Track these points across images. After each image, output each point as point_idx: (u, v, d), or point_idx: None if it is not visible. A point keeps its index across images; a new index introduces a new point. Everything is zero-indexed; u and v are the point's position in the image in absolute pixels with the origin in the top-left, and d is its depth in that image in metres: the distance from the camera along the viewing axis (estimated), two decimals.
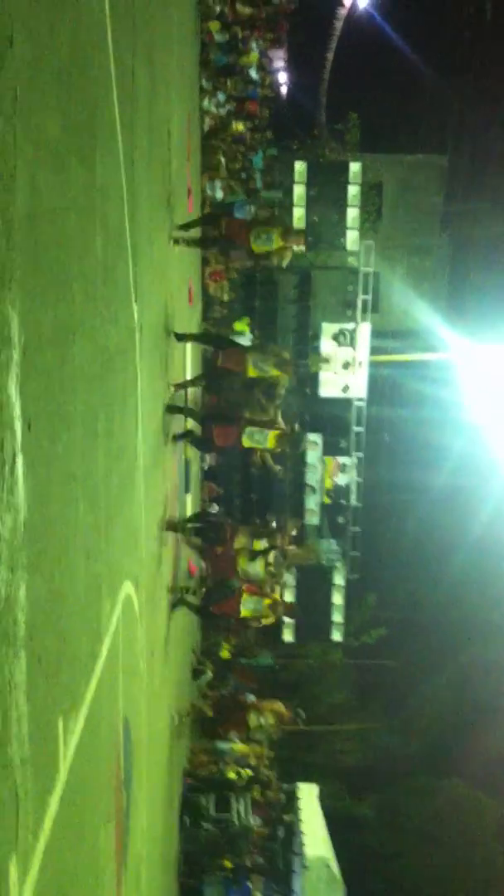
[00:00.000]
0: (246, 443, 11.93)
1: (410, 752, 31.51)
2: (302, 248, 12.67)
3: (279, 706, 14.85)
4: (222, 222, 12.10)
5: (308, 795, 19.53)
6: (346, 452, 25.64)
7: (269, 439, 11.92)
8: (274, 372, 11.80)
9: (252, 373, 11.79)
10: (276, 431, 11.93)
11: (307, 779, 21.91)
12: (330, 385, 25.19)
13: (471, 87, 28.65)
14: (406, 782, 30.48)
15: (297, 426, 13.03)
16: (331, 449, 25.85)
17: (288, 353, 12.29)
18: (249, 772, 18.43)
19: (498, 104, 27.99)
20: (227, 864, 16.32)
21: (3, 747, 3.50)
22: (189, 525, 12.42)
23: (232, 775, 17.87)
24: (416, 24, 30.61)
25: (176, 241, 11.83)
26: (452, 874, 28.86)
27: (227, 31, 22.07)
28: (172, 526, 11.86)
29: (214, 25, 21.44)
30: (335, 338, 24.89)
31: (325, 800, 21.45)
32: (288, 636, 26.12)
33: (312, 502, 25.70)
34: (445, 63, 30.46)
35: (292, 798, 19.52)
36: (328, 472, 25.69)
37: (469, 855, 29.02)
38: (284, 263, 12.15)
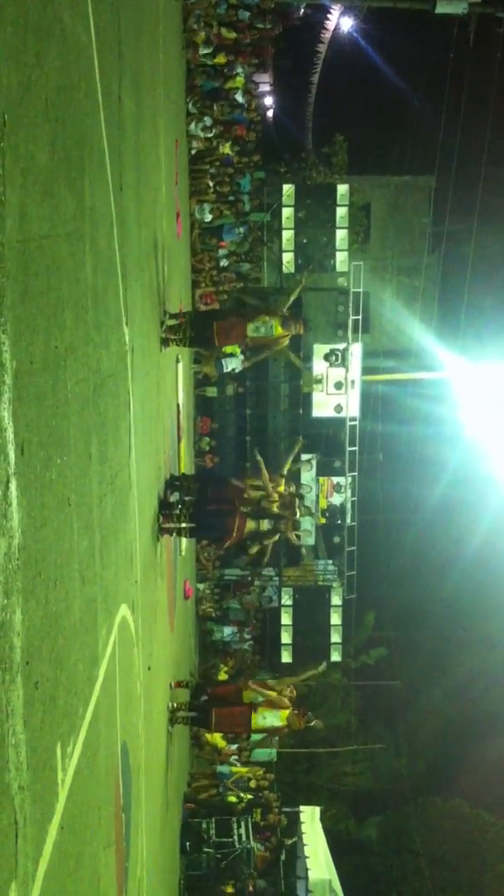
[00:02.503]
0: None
1: (413, 772, 31.33)
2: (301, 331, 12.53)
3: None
4: (213, 326, 12.00)
5: (311, 818, 19.39)
6: (340, 472, 25.64)
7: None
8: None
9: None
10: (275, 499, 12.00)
11: (310, 802, 21.76)
12: (322, 405, 25.22)
13: (456, 108, 28.85)
14: (410, 803, 30.28)
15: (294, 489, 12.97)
16: (325, 469, 25.85)
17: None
18: (250, 795, 18.33)
19: (484, 125, 28.19)
20: (230, 889, 16.18)
21: (1, 774, 3.49)
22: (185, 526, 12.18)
23: (232, 799, 17.77)
24: (401, 46, 30.88)
25: (165, 342, 11.73)
26: None
27: (212, 55, 22.26)
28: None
29: (200, 38, 21.52)
30: (327, 358, 24.95)
31: (328, 822, 21.31)
32: (286, 657, 25.99)
33: (308, 523, 25.66)
34: (431, 84, 30.73)
35: (295, 821, 19.39)
36: (323, 492, 25.69)
37: (476, 876, 28.81)
38: (283, 348, 12.00)
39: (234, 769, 19.12)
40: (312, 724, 13.10)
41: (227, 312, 13.73)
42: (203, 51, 21.73)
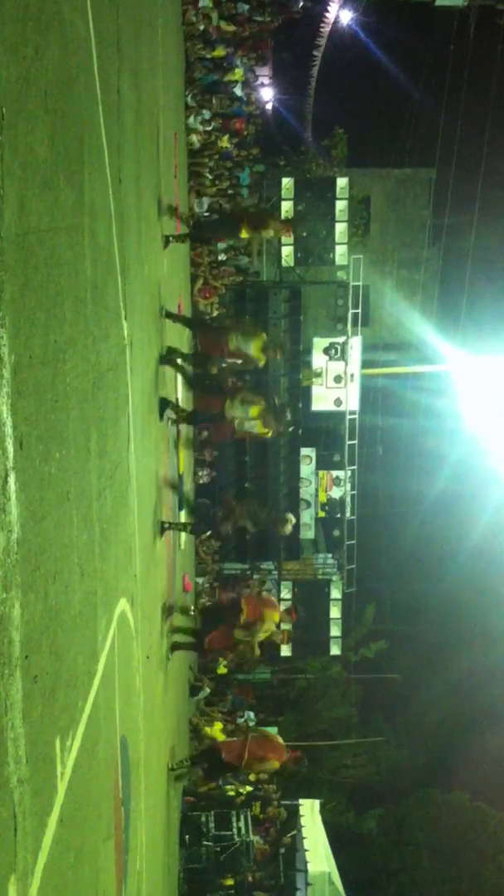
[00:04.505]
0: (229, 412, 12.03)
1: (413, 765, 31.41)
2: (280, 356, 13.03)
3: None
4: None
5: (310, 811, 19.44)
6: (339, 466, 25.66)
7: (251, 411, 11.98)
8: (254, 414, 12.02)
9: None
10: (259, 407, 12.00)
11: (310, 795, 21.82)
12: (322, 399, 25.24)
13: (457, 100, 28.82)
14: (410, 796, 30.38)
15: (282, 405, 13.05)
16: (324, 463, 25.87)
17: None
18: (249, 788, 18.35)
19: (484, 117, 28.17)
20: (229, 881, 16.22)
21: (1, 768, 3.50)
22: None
23: (231, 792, 17.80)
24: (401, 38, 30.83)
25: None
26: (459, 888, 28.73)
27: (211, 48, 22.20)
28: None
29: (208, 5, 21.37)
30: (326, 352, 24.94)
31: (328, 815, 21.34)
32: (286, 651, 26.04)
33: (307, 516, 25.69)
34: (431, 76, 30.68)
35: (294, 814, 19.44)
36: (322, 486, 25.70)
37: (476, 868, 28.89)
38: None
39: None
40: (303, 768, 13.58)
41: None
42: (204, 2, 21.45)
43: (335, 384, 25.08)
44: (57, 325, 4.64)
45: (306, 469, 25.51)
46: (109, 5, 7.14)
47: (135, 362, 8.34)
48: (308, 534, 26.16)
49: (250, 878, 16.50)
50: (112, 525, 6.66)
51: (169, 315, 12.31)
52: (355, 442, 25.55)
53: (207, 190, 22.46)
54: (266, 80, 26.84)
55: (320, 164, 30.10)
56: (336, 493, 25.72)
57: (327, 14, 30.83)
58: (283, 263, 25.54)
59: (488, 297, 30.97)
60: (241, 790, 18.08)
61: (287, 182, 25.58)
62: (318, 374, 25.10)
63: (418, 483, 30.95)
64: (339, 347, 24.95)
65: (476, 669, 31.37)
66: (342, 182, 25.74)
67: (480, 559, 29.85)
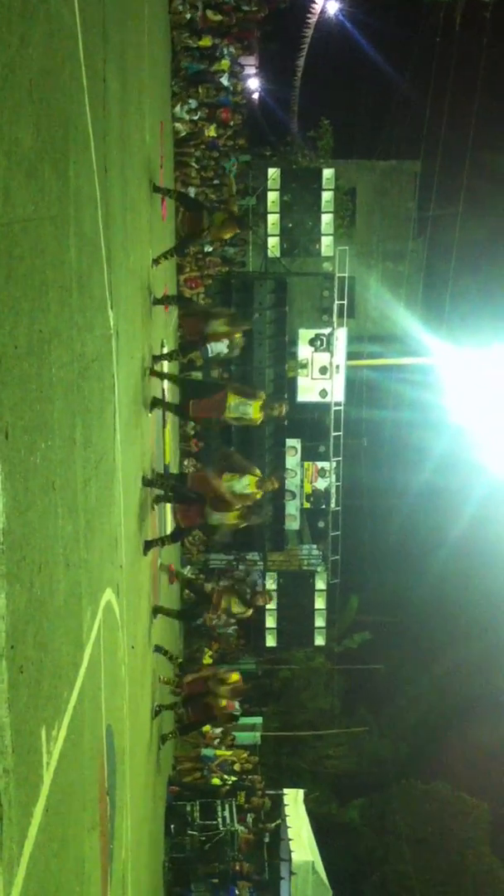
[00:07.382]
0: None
1: (396, 755, 31.54)
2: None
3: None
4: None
5: (294, 801, 19.51)
6: (324, 457, 25.70)
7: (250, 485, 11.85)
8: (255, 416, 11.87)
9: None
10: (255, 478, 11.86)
11: (293, 785, 21.89)
12: (308, 390, 25.25)
13: (442, 92, 28.84)
14: (393, 786, 30.51)
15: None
16: (310, 454, 25.90)
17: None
18: (234, 778, 18.41)
19: (470, 109, 28.17)
20: (214, 870, 16.28)
21: None
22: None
23: (216, 782, 17.85)
24: (387, 30, 30.78)
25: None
26: (442, 878, 28.91)
27: (198, 37, 22.08)
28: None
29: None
30: (312, 343, 24.95)
31: (311, 805, 21.42)
32: (271, 641, 26.09)
33: (292, 507, 25.72)
34: (417, 68, 30.67)
35: (278, 804, 19.51)
36: (307, 476, 25.73)
37: (458, 858, 29.08)
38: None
39: (218, 752, 19.19)
40: None
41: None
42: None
43: (321, 375, 25.10)
44: (42, 315, 4.63)
45: (291, 460, 25.54)
46: None
47: (120, 352, 8.32)
48: (293, 525, 26.19)
49: (236, 867, 16.56)
50: (97, 515, 6.66)
51: (157, 301, 12.28)
52: (340, 433, 25.58)
53: (193, 180, 22.38)
54: (252, 70, 26.74)
55: (306, 155, 30.07)
56: (321, 484, 25.75)
57: (314, 4, 30.74)
58: (269, 254, 25.53)
59: (473, 290, 31.04)
60: (226, 779, 18.12)
61: (273, 172, 25.56)
62: (304, 366, 25.11)
63: (403, 475, 31.02)
64: (324, 339, 24.97)
65: (459, 661, 31.52)
66: (328, 173, 25.74)
67: (464, 551, 29.96)
